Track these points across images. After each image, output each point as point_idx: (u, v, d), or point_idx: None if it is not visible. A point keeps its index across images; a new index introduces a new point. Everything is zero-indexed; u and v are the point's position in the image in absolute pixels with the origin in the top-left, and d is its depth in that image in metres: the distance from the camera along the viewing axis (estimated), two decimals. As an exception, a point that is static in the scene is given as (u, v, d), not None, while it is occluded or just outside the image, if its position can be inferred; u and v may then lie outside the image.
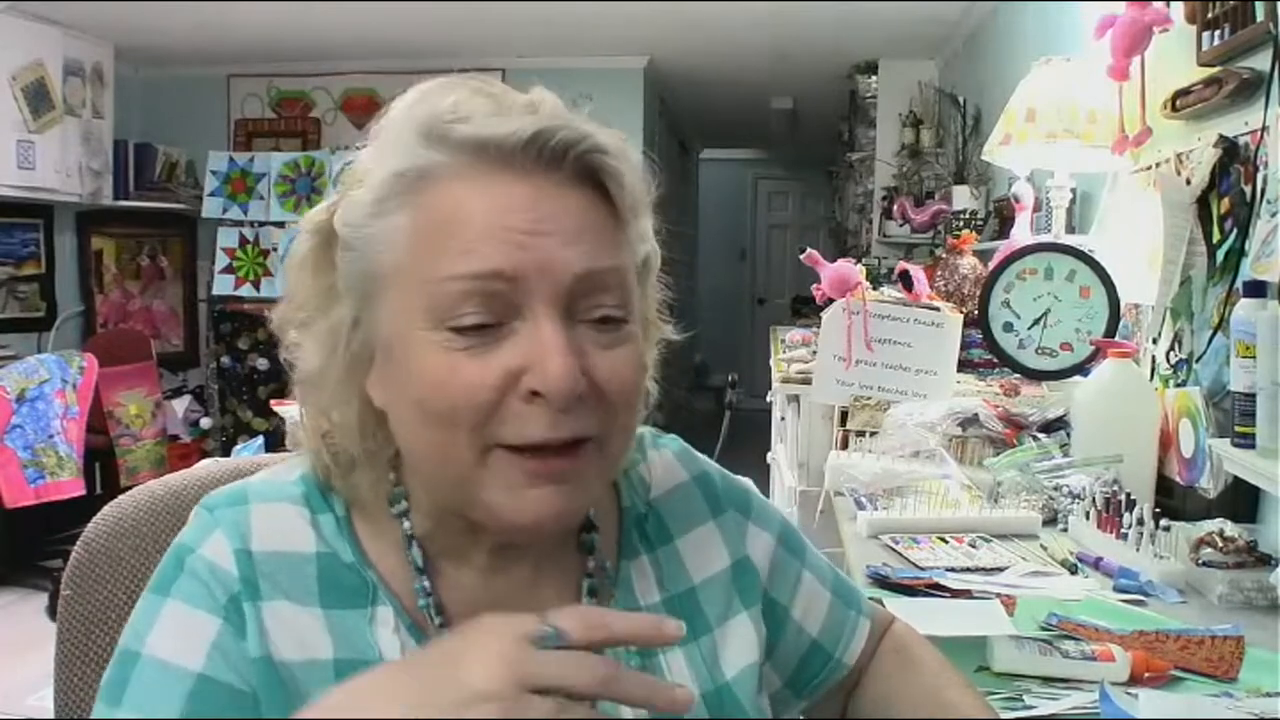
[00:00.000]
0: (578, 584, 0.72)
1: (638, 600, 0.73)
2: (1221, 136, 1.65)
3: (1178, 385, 1.72)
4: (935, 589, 1.27)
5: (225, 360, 5.36)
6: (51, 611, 3.63)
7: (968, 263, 2.56)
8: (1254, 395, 1.27)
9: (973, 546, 1.47)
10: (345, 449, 0.67)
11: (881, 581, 1.30)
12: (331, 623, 0.65)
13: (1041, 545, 1.49)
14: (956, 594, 1.26)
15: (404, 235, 0.62)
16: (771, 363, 2.93)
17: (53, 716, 0.85)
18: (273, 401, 3.97)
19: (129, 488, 0.90)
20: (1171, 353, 1.80)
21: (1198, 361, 1.68)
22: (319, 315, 0.66)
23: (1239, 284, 1.49)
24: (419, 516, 0.68)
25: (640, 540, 0.76)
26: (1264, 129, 1.53)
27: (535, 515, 0.63)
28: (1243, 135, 1.61)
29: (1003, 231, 3.08)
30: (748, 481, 0.86)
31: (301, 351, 0.67)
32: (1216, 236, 1.67)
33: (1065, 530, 1.58)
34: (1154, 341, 1.87)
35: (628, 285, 0.65)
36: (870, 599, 1.21)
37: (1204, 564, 1.31)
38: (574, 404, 0.61)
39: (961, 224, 3.57)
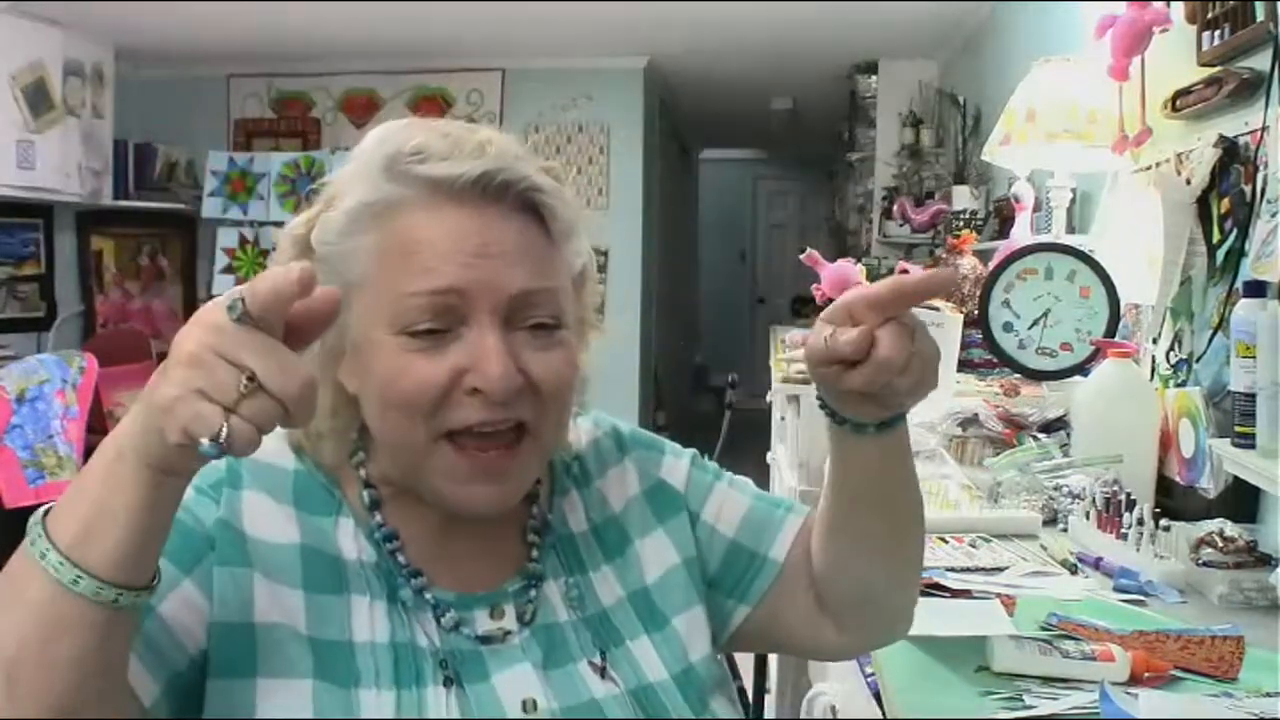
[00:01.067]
0: (523, 526, 0.84)
1: (570, 528, 0.86)
2: (1221, 136, 1.65)
3: (1178, 385, 1.72)
4: (935, 589, 1.27)
5: (225, 360, 5.35)
6: (51, 611, 3.63)
7: (968, 263, 2.56)
8: (1254, 395, 1.28)
9: (973, 546, 1.47)
10: (316, 428, 0.79)
11: (882, 581, 1.30)
12: (302, 520, 0.78)
13: (1041, 545, 1.49)
14: (956, 594, 1.26)
15: (371, 254, 0.75)
16: (771, 363, 2.93)
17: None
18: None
19: (129, 488, 0.90)
20: (1171, 353, 1.80)
21: (1198, 361, 1.68)
22: None
23: (1239, 284, 1.49)
24: (383, 464, 0.80)
25: (568, 479, 0.88)
26: (1264, 129, 1.53)
27: (477, 505, 0.76)
28: (1243, 135, 1.61)
29: (1003, 231, 3.08)
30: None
31: None
32: (1216, 236, 1.67)
33: (1065, 530, 1.58)
34: (1154, 341, 1.87)
35: (560, 300, 0.77)
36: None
37: (1204, 564, 1.31)
38: (511, 397, 0.73)
39: (961, 224, 3.57)
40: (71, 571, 0.62)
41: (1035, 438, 1.79)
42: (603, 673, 0.78)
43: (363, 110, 5.66)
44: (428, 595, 0.78)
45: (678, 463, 0.92)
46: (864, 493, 0.82)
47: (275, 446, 0.80)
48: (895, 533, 0.84)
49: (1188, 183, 1.73)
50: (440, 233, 0.73)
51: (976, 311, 2.16)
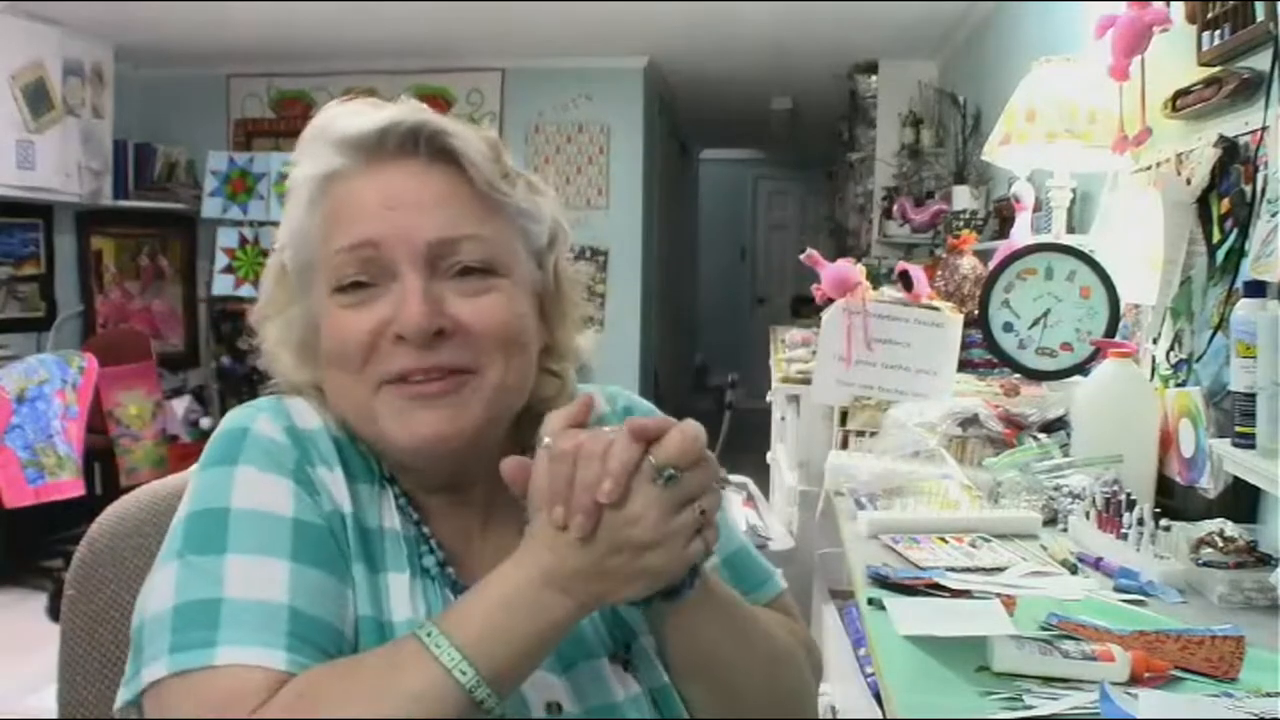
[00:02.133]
0: (522, 528, 0.79)
1: None
2: (1221, 136, 1.65)
3: (1178, 385, 1.72)
4: (935, 589, 1.27)
5: (225, 360, 5.36)
6: (52, 612, 3.64)
7: (968, 263, 2.56)
8: (1254, 395, 1.28)
9: (973, 546, 1.47)
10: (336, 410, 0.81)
11: (881, 581, 1.30)
12: (351, 489, 0.77)
13: (1041, 545, 1.49)
14: (956, 594, 1.26)
15: (318, 228, 0.79)
16: (771, 363, 2.93)
17: (54, 716, 0.85)
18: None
19: (129, 488, 0.91)
20: (1171, 353, 1.80)
21: (1198, 361, 1.68)
22: (279, 312, 0.82)
23: (1239, 284, 1.49)
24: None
25: None
26: (1264, 129, 1.53)
27: (422, 436, 0.75)
28: (1243, 135, 1.61)
29: (1003, 231, 3.08)
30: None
31: (265, 338, 0.84)
32: (1216, 236, 1.67)
33: (1065, 530, 1.58)
34: (1154, 341, 1.87)
35: (494, 250, 0.78)
36: (870, 600, 1.21)
37: (1204, 564, 1.31)
38: (436, 342, 0.74)
39: (961, 224, 3.57)
40: (470, 672, 0.65)
41: (1035, 438, 1.79)
42: (626, 665, 0.79)
43: (363, 110, 5.66)
44: (449, 572, 0.78)
45: None
46: (682, 665, 0.80)
47: (311, 409, 0.81)
48: (729, 700, 0.81)
49: (1188, 183, 1.73)
50: (362, 191, 0.77)
51: (976, 311, 2.16)
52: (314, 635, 0.68)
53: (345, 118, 0.79)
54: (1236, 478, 1.40)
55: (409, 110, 0.79)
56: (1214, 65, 1.71)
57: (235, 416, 0.79)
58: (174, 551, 0.70)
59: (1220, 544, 1.32)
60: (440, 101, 5.52)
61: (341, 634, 0.70)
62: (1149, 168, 1.97)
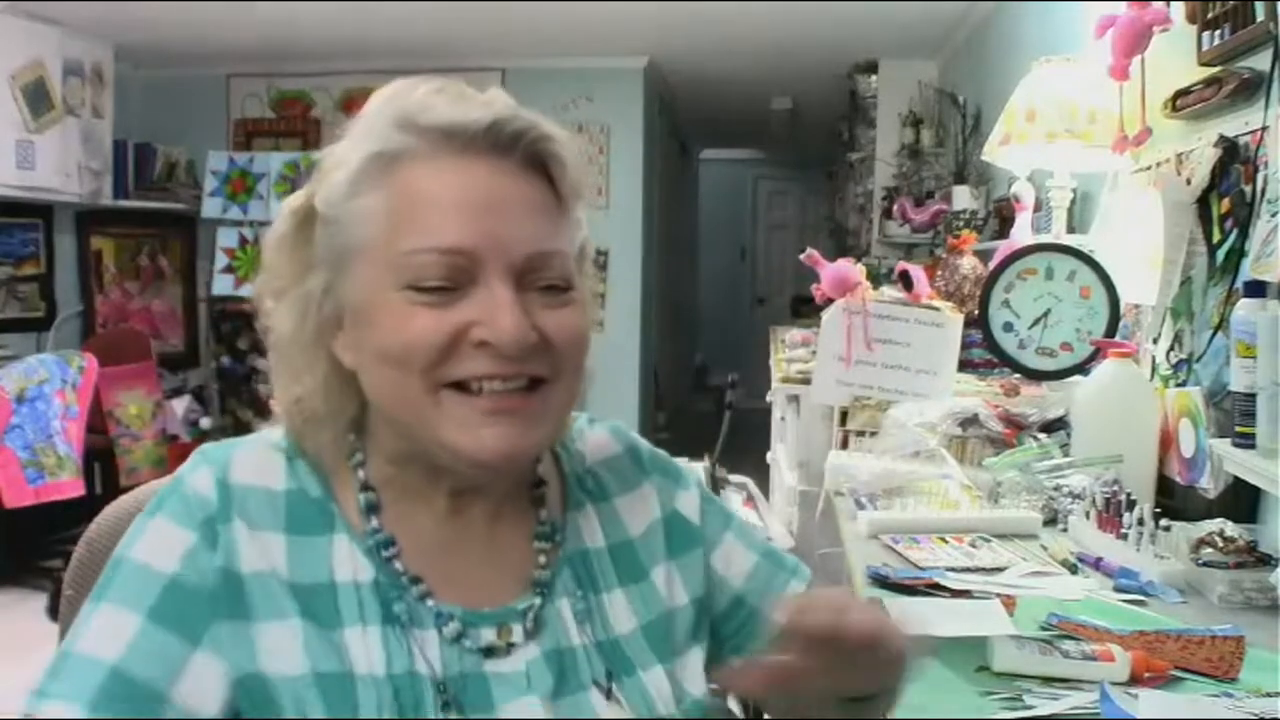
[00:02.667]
0: (530, 532, 0.80)
1: (585, 544, 0.82)
2: (1221, 136, 1.65)
3: (1178, 385, 1.72)
4: (935, 589, 1.27)
5: (225, 360, 5.36)
6: (52, 612, 3.63)
7: (968, 263, 2.56)
8: (1254, 395, 1.28)
9: (973, 546, 1.47)
10: (313, 410, 0.76)
11: (881, 581, 1.30)
12: (293, 547, 0.73)
13: (1041, 545, 1.49)
14: (956, 594, 1.26)
15: (377, 212, 0.71)
16: (771, 363, 2.93)
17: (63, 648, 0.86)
18: (272, 401, 3.97)
19: (129, 488, 0.91)
20: (1171, 353, 1.80)
21: (1198, 361, 1.68)
22: (293, 285, 0.75)
23: (1239, 284, 1.49)
24: (380, 463, 0.77)
25: (583, 493, 0.85)
26: (1264, 129, 1.53)
27: (492, 450, 0.71)
28: (1243, 135, 1.61)
29: (1003, 231, 3.08)
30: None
31: (276, 317, 0.76)
32: (1216, 236, 1.67)
33: (1065, 530, 1.58)
34: (1154, 341, 1.87)
35: (569, 263, 0.75)
36: (870, 599, 1.21)
37: (1204, 564, 1.31)
38: (524, 352, 0.70)
39: (961, 224, 3.57)
40: None
41: (1035, 438, 1.79)
42: (608, 694, 0.76)
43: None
44: (429, 603, 0.74)
45: (690, 497, 0.89)
46: None
47: (264, 460, 0.76)
48: None
49: (1188, 183, 1.73)
50: (448, 186, 0.71)
51: (976, 311, 2.16)
52: (128, 694, 0.67)
53: (444, 104, 0.72)
54: (1236, 478, 1.40)
55: (511, 107, 0.74)
56: (1214, 65, 1.71)
57: (182, 469, 0.76)
58: (90, 596, 0.72)
59: (1220, 544, 1.33)
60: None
61: (163, 698, 0.67)
62: (1149, 168, 1.97)
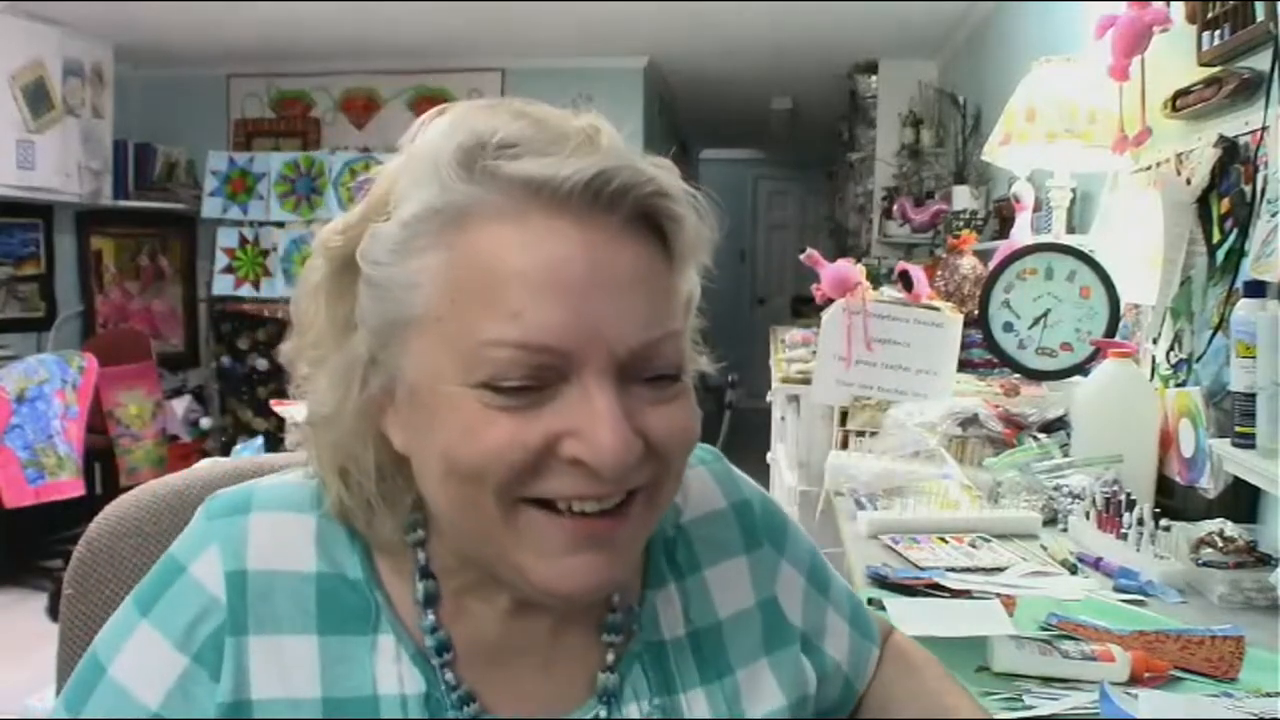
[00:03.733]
0: (599, 622, 0.68)
1: (662, 634, 0.69)
2: (1221, 136, 1.65)
3: (1178, 385, 1.72)
4: (935, 589, 1.27)
5: (225, 360, 5.36)
6: (52, 612, 3.63)
7: (968, 263, 2.56)
8: (1254, 395, 1.28)
9: (973, 546, 1.47)
10: (368, 495, 0.63)
11: (881, 581, 1.30)
12: (327, 652, 0.61)
13: (1041, 545, 1.49)
14: (956, 594, 1.26)
15: (438, 280, 0.56)
16: (771, 363, 2.93)
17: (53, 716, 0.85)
18: (273, 401, 3.97)
19: (129, 488, 0.90)
20: (1171, 353, 1.80)
21: (1198, 361, 1.68)
22: (333, 350, 0.61)
23: (1239, 284, 1.49)
24: (442, 550, 0.64)
25: (669, 567, 0.72)
26: (1264, 129, 1.53)
27: (575, 585, 0.58)
28: (1243, 135, 1.61)
29: (1003, 231, 3.08)
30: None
31: (313, 388, 0.63)
32: (1216, 236, 1.67)
33: (1065, 530, 1.58)
34: (1154, 341, 1.87)
35: (681, 344, 0.61)
36: (870, 600, 1.21)
37: (1204, 564, 1.31)
38: (628, 472, 0.57)
39: (961, 224, 3.57)
40: None
41: (1035, 438, 1.79)
42: None
43: (363, 110, 5.67)
44: None
45: (793, 576, 0.77)
46: None
47: (288, 528, 0.63)
48: None
49: (1188, 183, 1.73)
50: (534, 258, 0.55)
51: (976, 311, 2.16)
52: None
53: (530, 145, 0.56)
54: (1236, 478, 1.40)
55: (619, 152, 0.59)
56: (1214, 65, 1.71)
57: (183, 540, 0.64)
58: (63, 694, 0.64)
59: (1220, 544, 1.32)
60: (440, 102, 5.52)
61: None
62: (1149, 168, 1.97)
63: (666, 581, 0.71)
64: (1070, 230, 2.33)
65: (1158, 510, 1.44)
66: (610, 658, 0.67)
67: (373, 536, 0.64)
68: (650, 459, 0.58)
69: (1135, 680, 1.03)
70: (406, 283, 0.57)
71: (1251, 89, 1.58)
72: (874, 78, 5.40)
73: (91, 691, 0.62)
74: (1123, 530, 1.42)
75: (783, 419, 2.91)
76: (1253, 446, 1.28)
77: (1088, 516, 1.52)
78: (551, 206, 0.56)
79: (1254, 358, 1.27)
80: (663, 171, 0.60)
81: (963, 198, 3.90)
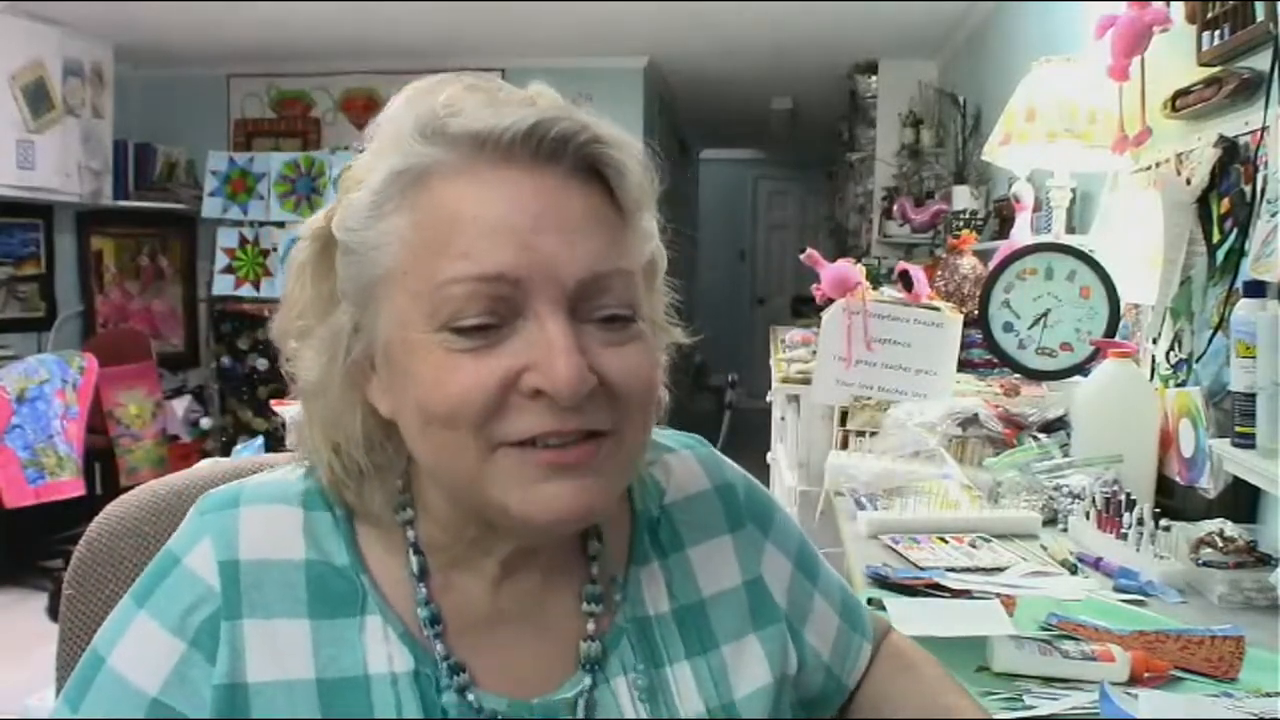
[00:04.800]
0: (581, 592, 0.71)
1: (646, 609, 0.72)
2: (1221, 136, 1.65)
3: (1178, 385, 1.72)
4: (935, 589, 1.27)
5: (225, 360, 5.36)
6: (52, 611, 3.63)
7: (968, 263, 2.56)
8: (1254, 395, 1.27)
9: (973, 546, 1.47)
10: (356, 465, 0.66)
11: (881, 581, 1.30)
12: (318, 634, 0.64)
13: (1041, 545, 1.49)
14: (956, 594, 1.26)
15: (403, 236, 0.61)
16: (771, 363, 2.93)
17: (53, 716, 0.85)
18: (273, 401, 3.97)
19: (129, 488, 0.90)
20: (1171, 353, 1.80)
21: (1198, 361, 1.68)
22: (318, 322, 0.65)
23: (1239, 284, 1.49)
24: (430, 525, 0.68)
25: (652, 545, 0.74)
26: (1264, 129, 1.53)
27: (553, 512, 0.61)
28: (1243, 135, 1.61)
29: (1003, 231, 3.08)
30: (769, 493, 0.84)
31: (301, 360, 0.66)
32: (1216, 236, 1.67)
33: (1065, 530, 1.58)
34: (1154, 341, 1.87)
35: (634, 284, 0.64)
36: (870, 599, 1.21)
37: (1204, 564, 1.31)
38: (583, 401, 0.60)
39: (961, 224, 3.57)
40: None
41: (1035, 438, 1.79)
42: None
43: (363, 110, 5.66)
44: (471, 698, 0.65)
45: (779, 559, 0.79)
46: None
47: (278, 521, 0.66)
48: None
49: (1188, 183, 1.73)
50: (485, 203, 0.60)
51: (976, 311, 2.16)
52: None
53: (475, 110, 0.61)
54: (1236, 478, 1.40)
55: (558, 106, 0.63)
56: (1214, 65, 1.71)
57: (177, 535, 0.67)
58: (65, 690, 0.66)
59: (1220, 544, 1.32)
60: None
61: None
62: (1149, 168, 1.97)
63: (650, 559, 0.73)
64: (1070, 230, 2.33)
65: (1158, 510, 1.44)
66: (591, 627, 0.69)
67: (361, 506, 0.67)
68: (608, 401, 0.61)
69: (1135, 680, 1.03)
70: (376, 243, 0.62)
71: (1251, 89, 1.58)
72: (874, 78, 5.40)
73: (90, 684, 0.63)
74: (1123, 530, 1.42)
75: (783, 419, 2.91)
76: (1253, 446, 1.28)
77: (1088, 516, 1.52)
78: (499, 160, 0.60)
79: (1254, 358, 1.27)
80: (603, 123, 0.64)
81: (963, 198, 3.90)
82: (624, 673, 0.69)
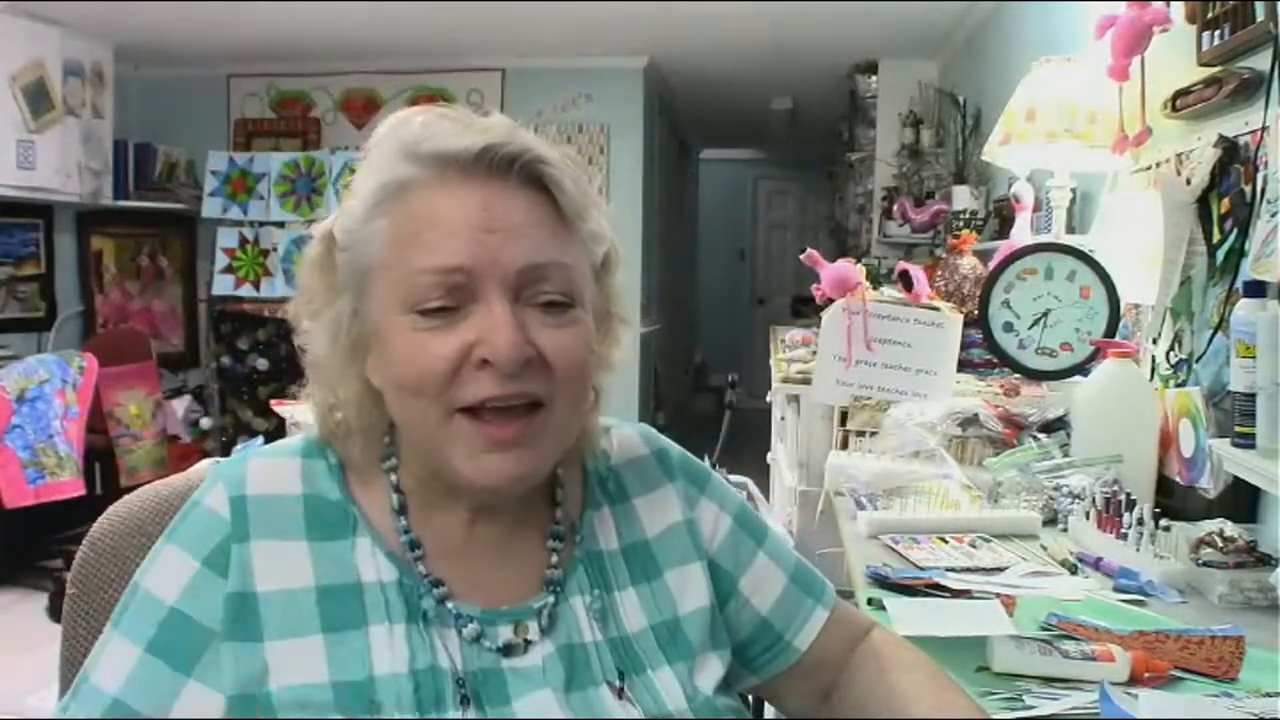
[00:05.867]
0: (546, 532, 0.83)
1: (599, 545, 0.85)
2: (1221, 136, 1.65)
3: (1178, 385, 1.72)
4: (935, 589, 1.27)
5: (225, 360, 5.36)
6: (52, 612, 3.64)
7: (968, 263, 2.56)
8: (1254, 395, 1.28)
9: (973, 546, 1.47)
10: (347, 422, 0.80)
11: (881, 581, 1.30)
12: (315, 552, 0.77)
13: (1041, 545, 1.49)
14: (956, 594, 1.26)
15: (386, 235, 0.76)
16: (771, 363, 2.93)
17: (53, 716, 0.85)
18: (273, 401, 3.97)
19: (129, 488, 0.91)
20: (1171, 353, 1.80)
21: (1198, 361, 1.68)
22: (325, 307, 0.79)
23: (1239, 284, 1.49)
24: (408, 476, 0.81)
25: (602, 495, 0.88)
26: (1264, 129, 1.53)
27: (492, 477, 0.75)
28: (1243, 135, 1.61)
29: (1003, 231, 3.08)
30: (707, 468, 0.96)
31: (311, 338, 0.80)
32: (1216, 236, 1.67)
33: (1065, 530, 1.58)
34: (1154, 341, 1.87)
35: (574, 277, 0.77)
36: (870, 599, 1.21)
37: (1204, 564, 1.31)
38: (521, 370, 0.73)
39: (961, 224, 3.57)
40: None
41: (1035, 438, 1.79)
42: (620, 693, 0.78)
43: (363, 110, 5.67)
44: (449, 606, 0.77)
45: (712, 508, 0.91)
46: None
47: (279, 468, 0.80)
48: None
49: (1188, 183, 1.73)
50: (448, 209, 0.74)
51: (976, 311, 2.16)
52: None
53: (442, 136, 0.76)
54: (1236, 478, 1.40)
55: (506, 132, 0.77)
56: (1214, 65, 1.71)
57: (201, 487, 0.79)
58: (112, 615, 0.77)
59: (1220, 544, 1.33)
60: (440, 102, 5.51)
61: None
62: (1149, 168, 1.97)
63: (601, 505, 0.87)
64: (1070, 230, 2.33)
65: (1158, 510, 1.44)
66: (554, 559, 0.82)
67: (347, 454, 0.81)
68: (544, 373, 0.75)
69: (1135, 680, 1.03)
70: (366, 240, 0.77)
71: (1251, 89, 1.59)
72: (874, 78, 5.40)
73: (129, 607, 0.76)
74: (1123, 530, 1.42)
75: (783, 419, 2.91)
76: (1253, 446, 1.28)
77: (1088, 516, 1.52)
78: (462, 175, 0.75)
79: (1254, 358, 1.28)
80: (544, 145, 0.78)
81: (963, 198, 3.90)
82: (580, 594, 0.82)
